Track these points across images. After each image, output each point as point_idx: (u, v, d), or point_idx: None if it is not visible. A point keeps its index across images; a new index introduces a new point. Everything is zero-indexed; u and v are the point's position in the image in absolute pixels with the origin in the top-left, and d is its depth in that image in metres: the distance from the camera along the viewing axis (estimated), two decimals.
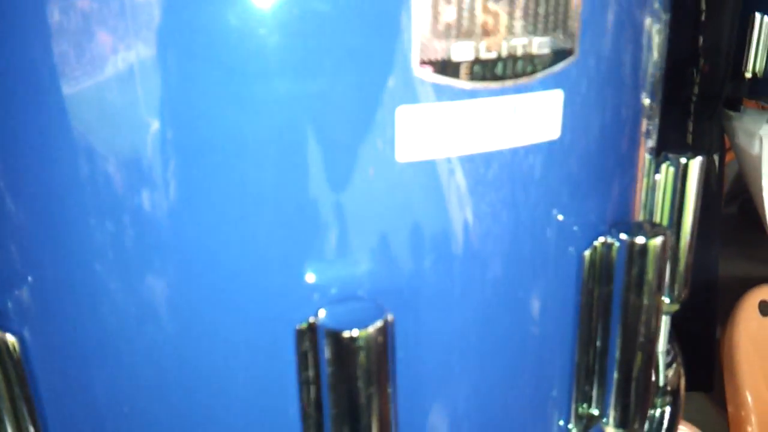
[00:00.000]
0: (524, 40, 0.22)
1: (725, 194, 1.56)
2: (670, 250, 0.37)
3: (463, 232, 0.23)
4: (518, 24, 0.21)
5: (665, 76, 0.96)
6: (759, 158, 0.90)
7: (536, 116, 0.23)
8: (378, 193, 0.21)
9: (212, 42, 0.19)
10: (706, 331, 1.22)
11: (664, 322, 0.41)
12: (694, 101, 0.93)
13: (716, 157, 0.93)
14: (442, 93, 0.21)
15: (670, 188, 0.36)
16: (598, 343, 0.29)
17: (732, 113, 0.92)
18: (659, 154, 0.36)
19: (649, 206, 0.35)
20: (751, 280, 1.13)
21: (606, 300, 0.27)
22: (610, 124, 0.26)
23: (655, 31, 0.28)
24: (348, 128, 0.20)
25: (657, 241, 0.26)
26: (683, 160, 0.36)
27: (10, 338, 0.22)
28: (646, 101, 0.30)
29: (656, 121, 0.34)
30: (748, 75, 0.87)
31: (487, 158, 0.22)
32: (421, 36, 0.20)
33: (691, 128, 0.94)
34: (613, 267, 0.26)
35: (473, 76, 0.21)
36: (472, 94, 0.21)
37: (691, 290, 1.18)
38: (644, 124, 0.30)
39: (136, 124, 0.20)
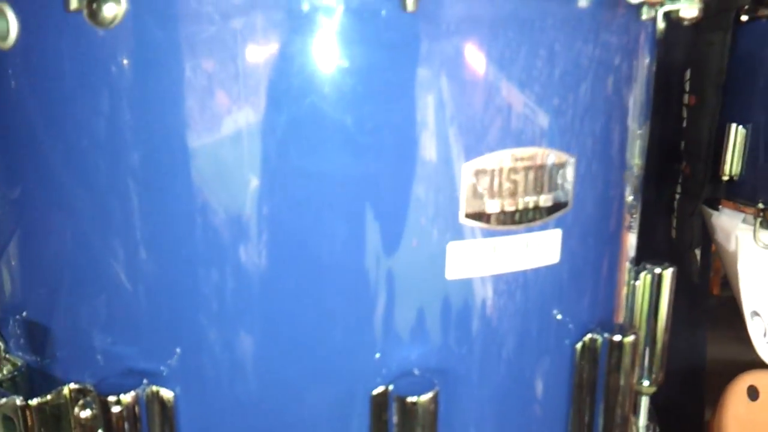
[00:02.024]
0: (534, 198, 0.32)
1: (722, 278, 1.66)
2: (648, 343, 0.46)
3: (490, 330, 0.33)
4: (530, 187, 0.32)
5: (653, 175, 1.09)
6: (735, 254, 1.01)
7: (542, 248, 0.33)
8: (431, 304, 0.31)
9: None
10: (694, 413, 1.30)
11: (644, 402, 0.50)
12: (677, 199, 1.05)
13: (698, 252, 1.04)
14: (478, 233, 0.31)
15: (648, 292, 0.46)
16: (586, 418, 0.38)
17: (712, 212, 1.03)
18: (639, 262, 0.47)
19: (630, 306, 0.45)
20: (741, 363, 1.19)
21: (592, 382, 0.37)
22: (598, 249, 0.37)
23: (636, 154, 0.39)
24: (414, 257, 0.31)
25: (630, 339, 0.36)
26: (658, 270, 0.46)
27: (167, 393, 0.31)
28: (629, 198, 0.40)
29: (637, 216, 0.44)
30: (725, 178, 0.99)
31: (508, 277, 0.33)
32: (466, 196, 0.31)
33: (674, 224, 1.05)
34: (598, 357, 0.36)
35: (499, 222, 0.32)
36: (499, 233, 0.32)
37: (680, 374, 1.28)
38: (627, 219, 0.40)
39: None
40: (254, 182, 0.30)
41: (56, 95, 0.31)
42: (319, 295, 0.32)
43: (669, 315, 0.47)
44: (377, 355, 0.32)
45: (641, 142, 0.41)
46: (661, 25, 0.43)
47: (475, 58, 0.30)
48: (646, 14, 0.34)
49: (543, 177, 0.32)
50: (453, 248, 0.31)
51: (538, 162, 0.32)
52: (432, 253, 0.31)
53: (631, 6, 0.33)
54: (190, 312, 0.32)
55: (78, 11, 0.28)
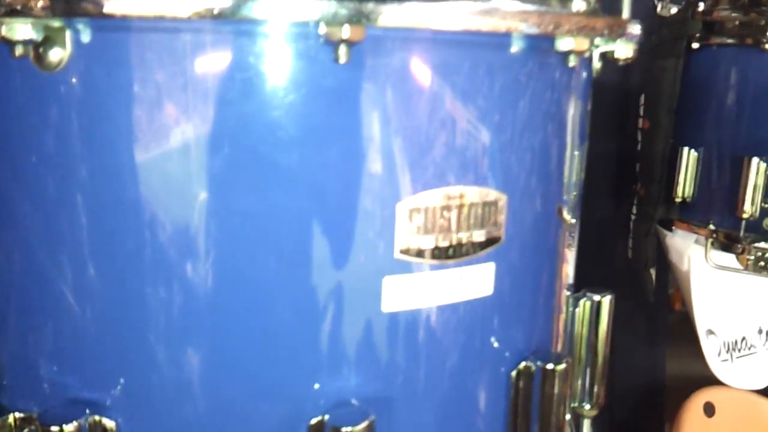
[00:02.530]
0: (467, 234, 0.34)
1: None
2: (589, 368, 0.48)
3: (426, 360, 0.35)
4: (463, 224, 0.34)
5: (611, 196, 1.13)
6: (688, 274, 1.04)
7: (475, 281, 0.35)
8: (368, 336, 0.33)
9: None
10: (654, 429, 1.34)
11: (586, 424, 0.52)
12: (633, 220, 1.08)
13: (653, 271, 1.07)
14: (412, 268, 0.33)
15: (587, 319, 0.48)
16: None
17: (666, 232, 1.07)
18: (578, 290, 0.49)
19: (570, 332, 0.47)
20: (700, 378, 1.21)
21: (527, 408, 0.38)
22: (531, 281, 0.39)
23: (573, 183, 0.41)
24: (351, 291, 0.32)
25: (562, 367, 0.38)
26: (597, 298, 0.48)
27: (109, 423, 0.32)
28: (568, 217, 0.42)
29: (575, 237, 0.46)
30: (678, 199, 1.03)
31: (443, 309, 0.35)
32: (401, 234, 0.32)
33: (630, 244, 1.08)
34: (532, 384, 0.38)
35: (433, 257, 0.33)
36: (433, 268, 0.34)
37: (640, 390, 1.32)
38: (563, 246, 0.42)
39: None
40: (199, 215, 0.31)
41: (2, 109, 0.32)
42: (262, 325, 0.33)
43: (608, 340, 0.49)
44: (316, 386, 0.33)
45: (579, 164, 0.43)
46: (597, 65, 0.45)
47: (408, 103, 0.32)
48: (573, 62, 0.36)
49: (475, 214, 0.34)
50: (388, 282, 0.33)
51: (470, 200, 0.34)
52: (368, 287, 0.33)
53: (559, 53, 0.35)
54: (137, 333, 0.33)
55: (23, 57, 0.29)
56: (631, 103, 1.09)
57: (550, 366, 0.38)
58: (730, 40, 0.98)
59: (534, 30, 0.34)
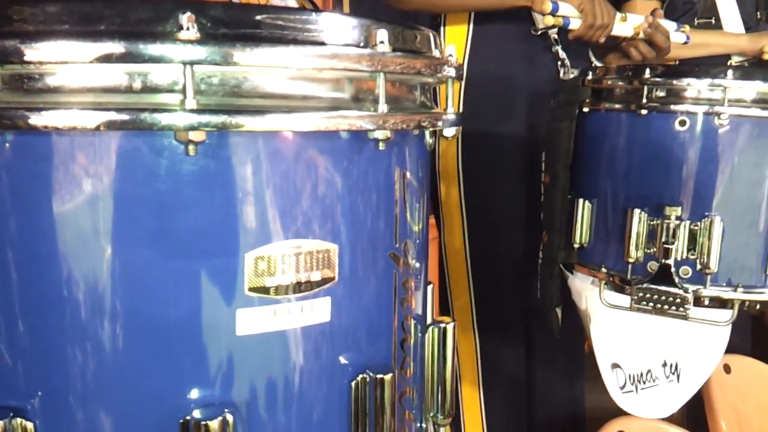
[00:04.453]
0: (306, 275, 0.46)
1: None
2: (439, 384, 0.60)
3: (277, 372, 0.46)
4: (301, 268, 0.45)
5: (522, 242, 1.26)
6: (586, 312, 1.17)
7: (314, 311, 0.47)
8: (228, 355, 0.44)
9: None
10: None
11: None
12: (540, 264, 1.21)
13: (558, 310, 1.19)
14: (260, 302, 0.45)
15: (436, 343, 0.60)
16: None
17: (568, 274, 1.19)
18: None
19: (421, 355, 0.59)
20: (617, 409, 1.32)
21: (365, 412, 0.49)
22: (367, 310, 0.50)
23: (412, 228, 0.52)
24: (213, 320, 0.44)
25: (389, 377, 0.49)
26: (442, 325, 0.60)
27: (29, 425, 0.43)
28: (412, 262, 0.53)
29: (422, 278, 0.57)
30: (576, 245, 1.16)
31: (287, 333, 0.46)
32: (249, 276, 0.44)
33: (538, 286, 1.21)
34: (367, 392, 0.49)
35: (277, 294, 0.45)
36: (276, 302, 0.45)
37: (561, 421, 1.44)
38: (410, 285, 0.53)
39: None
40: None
41: None
42: (148, 347, 0.44)
43: (454, 361, 0.61)
44: (189, 394, 0.44)
45: (417, 217, 0.55)
46: (429, 140, 0.58)
47: (252, 178, 0.44)
48: (383, 146, 0.48)
49: (311, 261, 0.46)
50: (241, 313, 0.44)
51: (306, 250, 0.46)
52: (226, 317, 0.44)
53: (375, 140, 0.48)
54: (52, 353, 0.44)
55: None
56: (536, 158, 1.23)
57: (380, 376, 0.49)
58: (617, 105, 1.13)
59: (356, 128, 0.47)
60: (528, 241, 1.27)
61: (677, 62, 1.74)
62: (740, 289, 1.08)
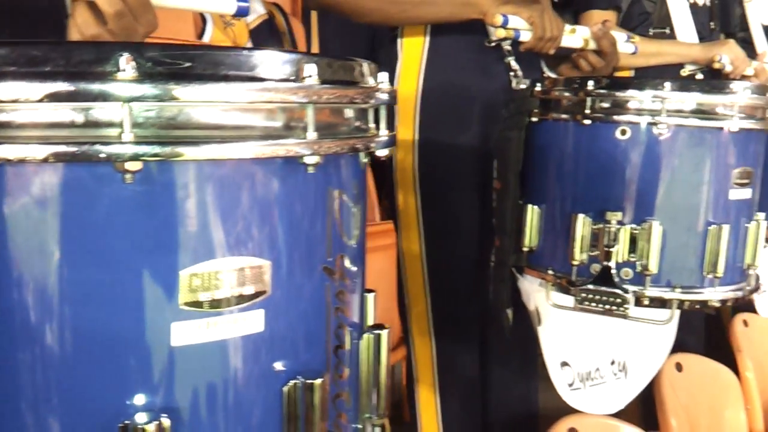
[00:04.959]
0: (239, 289, 0.50)
1: None
2: (374, 386, 0.64)
3: (213, 378, 0.51)
4: (233, 283, 0.50)
5: (477, 247, 1.33)
6: (535, 312, 1.23)
7: (248, 322, 0.51)
8: (165, 364, 0.49)
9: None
10: None
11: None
12: (492, 267, 1.26)
13: (509, 311, 1.25)
14: (194, 315, 0.49)
15: (371, 349, 0.64)
16: None
17: (519, 277, 1.25)
18: (380, 327, 0.66)
19: (356, 359, 0.64)
20: (570, 407, 1.38)
21: (296, 418, 0.54)
22: (299, 319, 0.55)
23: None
24: (152, 333, 0.48)
25: (318, 382, 0.54)
26: (377, 332, 0.65)
27: None
28: (348, 265, 0.58)
29: (359, 281, 0.62)
30: (526, 249, 1.22)
31: (222, 343, 0.50)
32: (183, 292, 0.48)
33: (491, 288, 1.26)
34: (298, 396, 0.54)
35: (211, 307, 0.49)
36: (210, 315, 0.50)
37: (515, 419, 1.50)
38: (344, 295, 0.58)
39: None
40: None
41: None
42: (91, 358, 0.48)
43: (389, 365, 0.66)
44: (130, 401, 0.49)
45: (353, 226, 0.60)
46: (364, 160, 0.63)
47: (189, 202, 0.49)
48: (312, 169, 0.53)
49: (245, 276, 0.51)
50: (176, 325, 0.49)
51: (239, 266, 0.51)
52: (163, 329, 0.49)
53: (305, 164, 0.52)
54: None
55: None
56: (490, 166, 1.28)
57: (309, 381, 0.54)
58: (563, 116, 1.19)
59: (288, 154, 0.51)
60: (482, 246, 1.32)
61: (633, 71, 1.81)
62: (678, 290, 1.15)
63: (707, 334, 2.05)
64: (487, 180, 1.29)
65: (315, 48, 1.57)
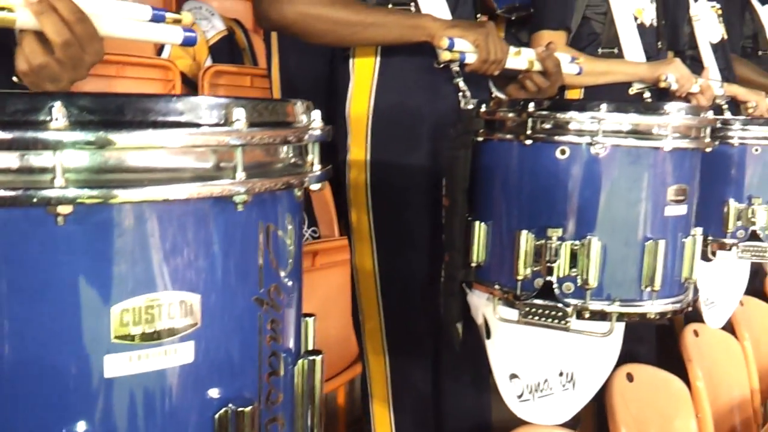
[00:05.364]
0: (170, 322, 0.54)
1: None
2: (308, 407, 0.68)
3: (146, 408, 0.54)
4: (164, 316, 0.53)
5: (428, 263, 1.38)
6: (482, 326, 1.28)
7: (179, 353, 0.55)
8: (99, 395, 0.52)
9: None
10: None
11: None
12: (442, 282, 1.31)
13: (459, 325, 1.29)
14: (126, 348, 0.52)
15: (305, 373, 0.68)
16: None
17: (468, 291, 1.30)
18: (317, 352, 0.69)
19: (291, 383, 0.67)
20: (521, 420, 1.42)
21: None
22: (231, 349, 0.59)
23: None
24: (85, 366, 0.51)
25: (248, 409, 0.57)
26: (311, 357, 0.69)
27: None
28: (286, 280, 0.62)
29: (294, 298, 0.65)
30: (474, 264, 1.27)
31: (154, 373, 0.54)
32: (115, 326, 0.52)
33: (441, 303, 1.31)
34: (229, 423, 0.58)
35: (142, 340, 0.53)
36: (141, 347, 0.53)
37: None
38: (266, 323, 0.62)
39: None
40: None
41: None
42: (31, 389, 0.52)
43: (322, 388, 0.70)
44: (71, 428, 0.52)
45: (289, 251, 0.63)
46: (298, 193, 0.67)
47: (120, 241, 0.52)
48: (241, 207, 0.57)
49: (175, 309, 0.54)
50: (108, 358, 0.52)
51: (170, 301, 0.54)
52: (96, 361, 0.52)
53: (234, 203, 0.56)
54: None
55: None
56: (439, 184, 1.33)
57: (240, 409, 0.58)
58: (507, 136, 1.24)
59: (217, 194, 0.55)
60: (434, 262, 1.37)
61: (582, 90, 1.88)
62: (618, 303, 1.20)
63: (660, 344, 2.12)
64: (438, 197, 1.33)
65: (275, 64, 1.61)
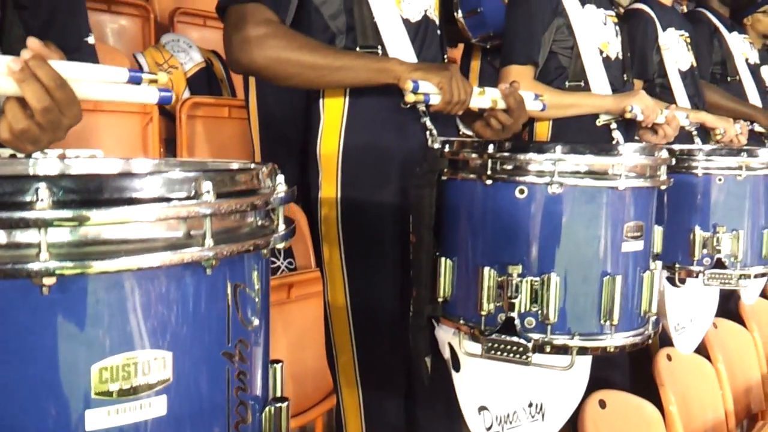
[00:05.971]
0: (145, 378, 0.61)
1: None
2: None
3: None
4: (140, 373, 0.61)
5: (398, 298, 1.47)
6: (449, 360, 1.35)
7: (153, 407, 0.62)
8: None
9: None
10: None
11: None
12: (410, 317, 1.38)
13: (428, 359, 1.37)
14: (106, 403, 0.60)
15: (272, 421, 0.75)
16: None
17: (436, 325, 1.38)
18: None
19: (259, 428, 0.75)
20: None
21: None
22: (202, 400, 0.66)
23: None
24: (69, 416, 0.59)
25: None
26: (278, 405, 0.76)
27: None
28: (240, 355, 0.69)
29: (259, 365, 0.73)
30: (441, 299, 1.35)
31: (133, 424, 0.61)
32: (95, 383, 0.59)
33: (411, 337, 1.38)
34: None
35: (120, 396, 0.60)
36: (120, 402, 0.60)
37: None
38: (234, 376, 0.69)
39: None
40: None
41: None
42: None
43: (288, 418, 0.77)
44: None
45: (255, 314, 0.71)
46: (265, 251, 0.74)
47: (99, 306, 0.60)
48: (210, 271, 0.65)
49: (148, 366, 0.62)
50: (90, 412, 0.60)
51: (145, 359, 0.62)
52: (78, 415, 0.59)
53: (203, 268, 0.64)
54: None
55: None
56: (407, 220, 1.41)
57: None
58: (471, 175, 1.32)
59: (188, 261, 0.63)
60: (404, 296, 1.44)
61: (551, 122, 1.98)
62: (578, 337, 1.28)
63: (635, 367, 2.20)
64: (407, 234, 1.41)
65: (253, 95, 1.67)
